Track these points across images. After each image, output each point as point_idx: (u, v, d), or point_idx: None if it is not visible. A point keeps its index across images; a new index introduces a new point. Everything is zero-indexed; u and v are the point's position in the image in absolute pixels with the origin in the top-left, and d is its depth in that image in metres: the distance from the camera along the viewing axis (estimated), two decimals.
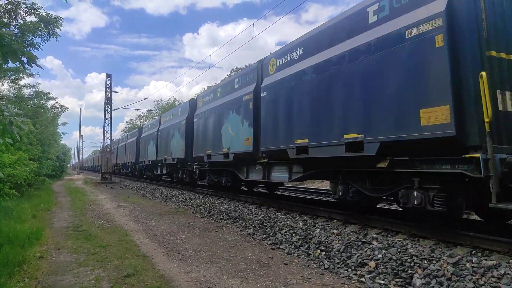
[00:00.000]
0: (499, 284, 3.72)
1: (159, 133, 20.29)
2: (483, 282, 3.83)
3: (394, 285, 4.33)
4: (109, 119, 31.24)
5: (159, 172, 21.23)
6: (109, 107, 30.98)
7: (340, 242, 5.83)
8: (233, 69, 45.22)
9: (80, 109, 58.97)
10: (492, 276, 3.86)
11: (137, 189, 20.87)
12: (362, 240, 5.68)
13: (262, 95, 9.27)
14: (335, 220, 7.21)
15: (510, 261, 4.16)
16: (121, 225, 8.87)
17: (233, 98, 11.10)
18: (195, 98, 15.98)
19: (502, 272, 3.88)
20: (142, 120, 61.12)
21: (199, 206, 11.55)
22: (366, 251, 5.27)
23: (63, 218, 10.13)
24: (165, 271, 5.11)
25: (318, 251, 5.83)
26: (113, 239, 7.16)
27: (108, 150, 31.45)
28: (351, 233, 6.10)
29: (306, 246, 6.19)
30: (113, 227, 8.57)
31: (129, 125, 65.58)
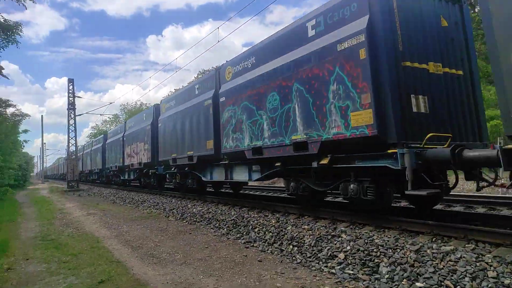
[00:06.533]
0: (456, 266, 4.03)
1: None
2: (442, 266, 4.13)
3: (362, 274, 4.57)
4: (73, 125, 30.24)
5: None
6: (72, 113, 29.98)
7: (311, 237, 6.05)
8: (200, 71, 45.01)
9: (42, 116, 56.68)
10: (450, 260, 4.17)
11: (106, 196, 20.38)
12: (332, 233, 5.92)
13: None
14: (305, 216, 7.43)
15: (466, 245, 4.51)
16: (92, 232, 8.71)
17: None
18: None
19: (459, 256, 4.20)
20: (108, 125, 59.60)
21: (171, 210, 11.50)
22: (335, 244, 5.51)
23: (30, 228, 9.81)
24: (140, 275, 5.12)
25: (291, 246, 6.02)
26: (85, 247, 7.04)
27: (74, 157, 30.46)
28: (321, 228, 6.33)
29: (279, 242, 6.37)
30: (83, 235, 8.41)
31: (95, 131, 63.75)
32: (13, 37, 12.59)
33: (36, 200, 20.18)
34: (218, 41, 18.80)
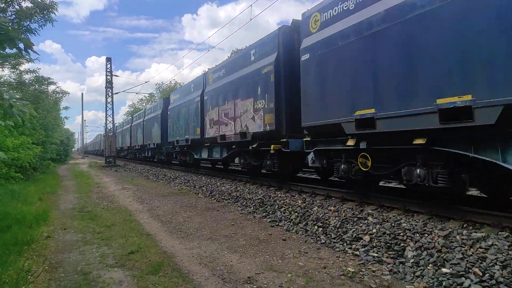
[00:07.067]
0: (486, 254, 3.87)
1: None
2: (471, 253, 3.99)
3: (387, 257, 4.51)
4: (110, 103, 31.32)
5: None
6: (110, 91, 31.01)
7: (336, 218, 6.00)
8: (233, 51, 44.84)
9: (82, 93, 59.06)
10: (480, 247, 4.02)
11: (140, 172, 21.16)
12: (358, 216, 5.85)
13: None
14: (332, 198, 7.36)
15: (499, 233, 4.31)
16: (125, 206, 9.10)
17: None
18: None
19: (490, 243, 4.04)
20: (144, 104, 61.13)
21: (201, 187, 11.77)
22: (361, 226, 5.44)
23: (69, 200, 10.38)
24: (168, 248, 5.32)
25: (316, 227, 6.01)
26: (118, 219, 7.38)
27: (111, 133, 31.66)
28: (348, 210, 6.26)
29: (304, 223, 6.38)
30: (117, 208, 8.81)
31: (132, 109, 65.70)
32: (48, 15, 13.05)
33: (76, 174, 21.28)
34: (251, 19, 18.49)
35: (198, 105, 13.91)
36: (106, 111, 31.33)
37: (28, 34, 12.22)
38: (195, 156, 15.14)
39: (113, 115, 31.94)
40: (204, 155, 14.05)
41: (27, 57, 15.47)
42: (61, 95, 25.05)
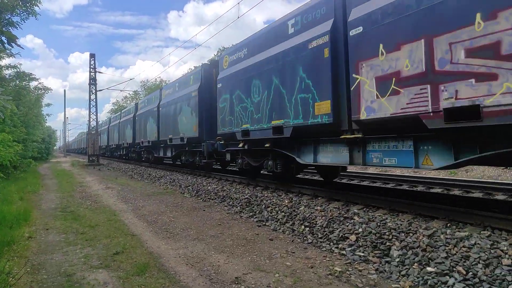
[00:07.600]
0: (469, 253, 3.96)
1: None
2: (455, 252, 4.07)
3: (373, 256, 4.55)
4: (94, 100, 30.81)
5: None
6: (93, 88, 30.49)
7: (323, 218, 6.04)
8: (220, 49, 44.63)
9: (64, 90, 57.87)
10: (464, 246, 4.10)
11: (125, 171, 20.87)
12: (344, 215, 5.89)
13: None
14: (319, 198, 7.40)
15: (481, 232, 4.41)
16: (110, 206, 8.95)
17: None
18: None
19: (473, 242, 4.12)
20: (128, 101, 60.28)
21: (187, 187, 11.67)
22: (347, 226, 5.49)
23: (51, 199, 10.16)
24: (153, 249, 5.25)
25: (302, 227, 6.03)
26: (102, 219, 7.25)
27: (94, 132, 31.12)
28: (334, 210, 6.30)
29: (291, 222, 6.40)
30: (101, 208, 8.66)
31: (115, 107, 64.76)
32: (31, 8, 12.76)
33: (58, 173, 20.83)
34: (238, 17, 18.38)
35: (322, 54, 6.49)
36: (90, 108, 30.78)
37: (10, 28, 11.88)
38: (300, 161, 7.65)
39: (96, 113, 31.46)
40: (333, 158, 6.86)
41: (8, 51, 15.10)
42: (43, 91, 24.56)
